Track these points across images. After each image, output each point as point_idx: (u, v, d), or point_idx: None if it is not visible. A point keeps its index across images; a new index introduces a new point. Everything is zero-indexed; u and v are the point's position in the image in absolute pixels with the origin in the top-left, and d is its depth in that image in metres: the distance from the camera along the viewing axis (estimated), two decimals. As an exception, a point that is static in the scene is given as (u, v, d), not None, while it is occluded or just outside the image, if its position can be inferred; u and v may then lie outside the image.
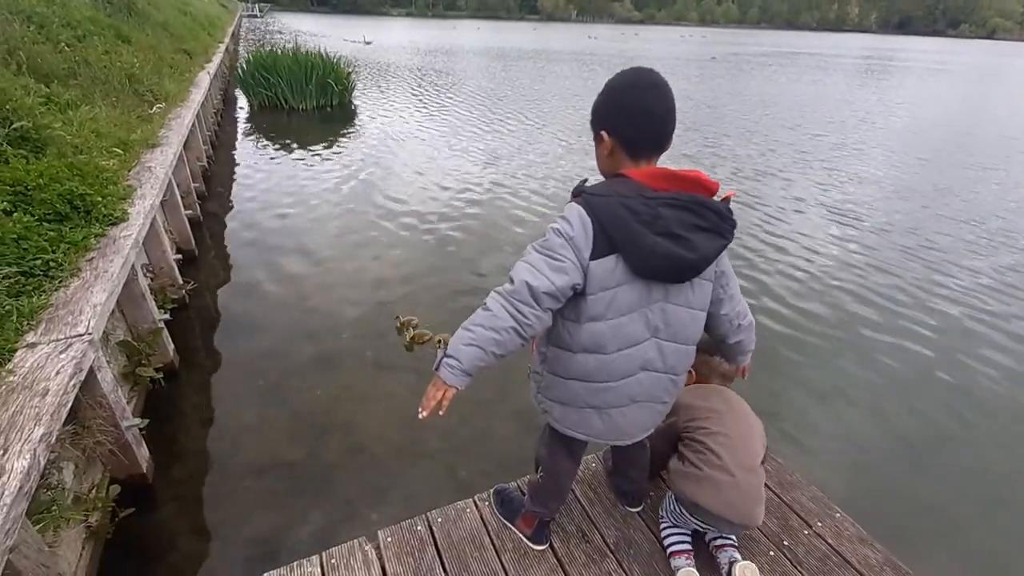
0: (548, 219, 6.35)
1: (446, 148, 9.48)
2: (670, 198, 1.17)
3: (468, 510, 1.82)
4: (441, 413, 1.24)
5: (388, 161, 8.58)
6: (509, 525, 1.75)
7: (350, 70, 12.84)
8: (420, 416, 1.24)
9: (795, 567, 1.66)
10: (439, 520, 1.78)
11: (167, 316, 3.30)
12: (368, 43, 31.67)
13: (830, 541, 1.75)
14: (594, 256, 1.18)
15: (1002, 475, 3.10)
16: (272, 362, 3.68)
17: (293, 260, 5.15)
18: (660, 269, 1.20)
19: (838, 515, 1.84)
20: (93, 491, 2.21)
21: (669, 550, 1.66)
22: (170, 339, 3.39)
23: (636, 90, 1.21)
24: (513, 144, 9.88)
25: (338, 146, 9.45)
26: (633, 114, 1.21)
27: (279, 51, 11.76)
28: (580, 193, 1.24)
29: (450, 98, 14.65)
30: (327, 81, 11.75)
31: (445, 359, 1.21)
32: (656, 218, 1.16)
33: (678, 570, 1.60)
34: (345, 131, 10.62)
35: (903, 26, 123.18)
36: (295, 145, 9.35)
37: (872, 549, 1.72)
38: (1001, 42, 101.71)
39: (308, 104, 11.87)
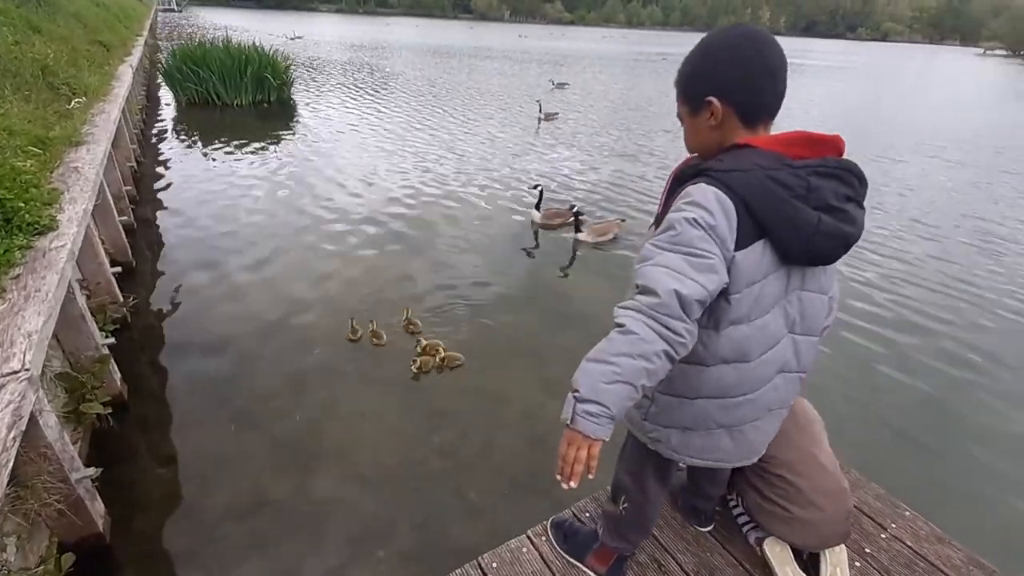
0: (489, 213, 6.17)
1: (389, 143, 9.12)
2: (818, 165, 1.00)
3: (524, 549, 1.57)
4: (591, 476, 0.97)
5: (332, 158, 8.11)
6: (578, 564, 1.52)
7: (288, 64, 12.07)
8: (566, 487, 0.97)
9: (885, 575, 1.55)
10: (494, 565, 1.53)
11: (111, 340, 2.82)
12: (297, 38, 30.32)
13: (909, 543, 1.65)
14: (740, 246, 0.98)
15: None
16: (238, 385, 3.25)
17: (241, 268, 4.65)
18: (823, 250, 1.01)
19: (908, 514, 1.76)
20: (41, 566, 1.77)
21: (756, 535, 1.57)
22: (115, 367, 2.89)
23: (753, 45, 1.02)
24: (453, 139, 9.61)
25: (278, 143, 8.83)
26: (752, 73, 1.02)
27: (209, 43, 10.83)
28: (701, 173, 1.02)
29: (390, 94, 14.24)
30: (264, 75, 10.96)
31: (581, 406, 0.93)
32: (809, 191, 0.98)
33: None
34: (285, 127, 9.96)
35: (808, 29, 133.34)
36: (232, 143, 8.62)
37: (952, 548, 1.64)
38: (893, 44, 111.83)
39: (244, 99, 11.03)
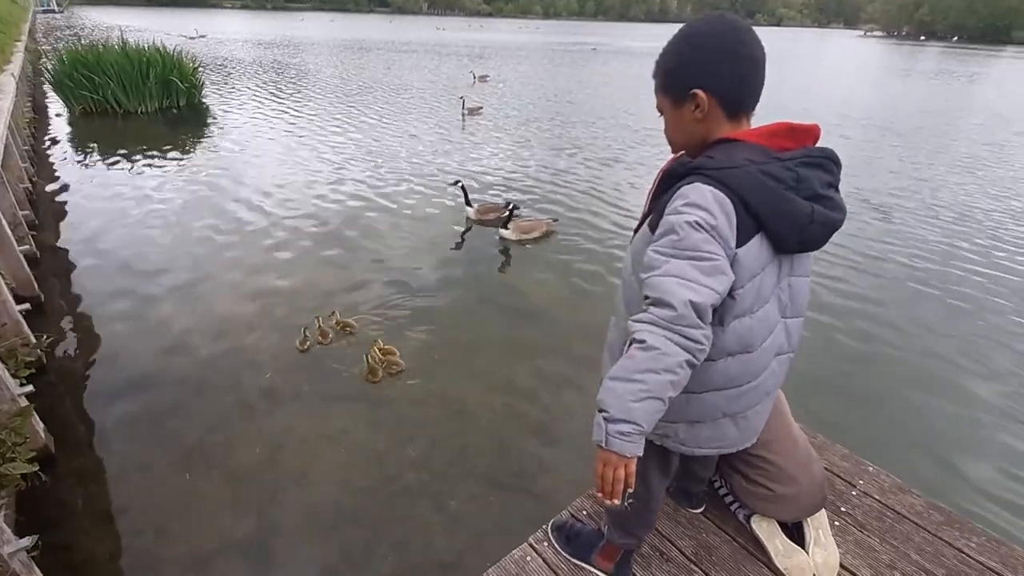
0: (420, 214, 6.06)
1: (310, 146, 8.75)
2: (803, 156, 1.03)
3: (528, 558, 1.55)
4: (631, 491, 0.99)
5: (250, 165, 7.69)
6: (584, 565, 1.51)
7: (196, 65, 11.22)
8: (608, 504, 1.00)
9: (862, 531, 1.66)
10: (499, 578, 1.49)
11: (28, 388, 2.50)
12: (200, 37, 28.32)
13: (877, 497, 1.78)
14: (740, 242, 0.99)
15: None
16: (184, 421, 2.99)
17: (165, 291, 4.29)
18: (814, 238, 1.04)
19: (871, 468, 1.89)
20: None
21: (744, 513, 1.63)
22: (37, 417, 2.57)
23: (736, 36, 1.03)
24: (376, 139, 9.34)
25: (190, 152, 8.25)
26: (737, 64, 1.03)
27: (102, 46, 9.83)
28: (694, 171, 1.01)
29: (308, 93, 13.66)
30: (170, 79, 10.11)
31: (612, 427, 0.93)
32: (799, 182, 1.00)
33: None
34: (197, 134, 9.30)
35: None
36: (138, 154, 7.93)
37: (913, 496, 1.79)
38: (787, 28, 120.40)
39: (149, 106, 10.15)
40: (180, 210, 5.95)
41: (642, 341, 0.95)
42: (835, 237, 1.08)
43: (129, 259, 4.79)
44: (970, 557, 1.58)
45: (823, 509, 1.58)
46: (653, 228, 1.05)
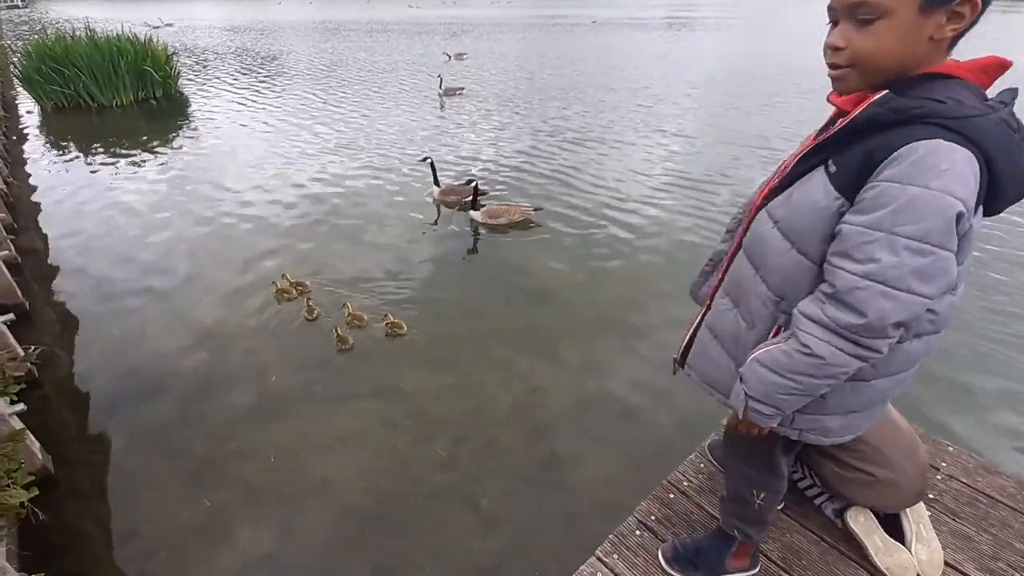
0: (413, 198, 5.80)
1: (292, 133, 8.38)
2: (1010, 98, 0.84)
3: (599, 574, 1.39)
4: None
5: (233, 156, 7.35)
6: None
7: (171, 53, 10.74)
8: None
9: (956, 520, 1.51)
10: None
11: (20, 406, 2.29)
12: (167, 25, 27.30)
13: (964, 480, 1.64)
14: (974, 213, 0.79)
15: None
16: (190, 431, 2.79)
17: (157, 293, 4.04)
18: (1015, 199, 0.85)
19: (952, 449, 1.75)
20: None
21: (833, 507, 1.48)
22: (32, 437, 2.37)
23: None
24: (358, 125, 8.93)
25: (171, 145, 7.88)
26: None
27: (70, 37, 9.33)
28: (923, 119, 0.77)
29: (286, 79, 13.19)
30: (144, 68, 9.64)
31: (753, 404, 0.97)
32: (1020, 131, 0.80)
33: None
34: (176, 126, 8.91)
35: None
36: (116, 150, 7.58)
37: (1002, 477, 1.65)
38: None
39: (124, 98, 9.70)
40: (164, 206, 5.66)
41: (806, 347, 0.84)
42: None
43: (116, 260, 4.53)
44: (1078, 543, 1.45)
45: (921, 502, 1.44)
46: (846, 190, 0.84)
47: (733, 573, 1.36)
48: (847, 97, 0.91)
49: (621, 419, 2.94)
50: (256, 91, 11.70)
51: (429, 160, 5.67)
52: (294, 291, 3.92)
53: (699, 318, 1.18)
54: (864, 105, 0.84)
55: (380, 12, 45.97)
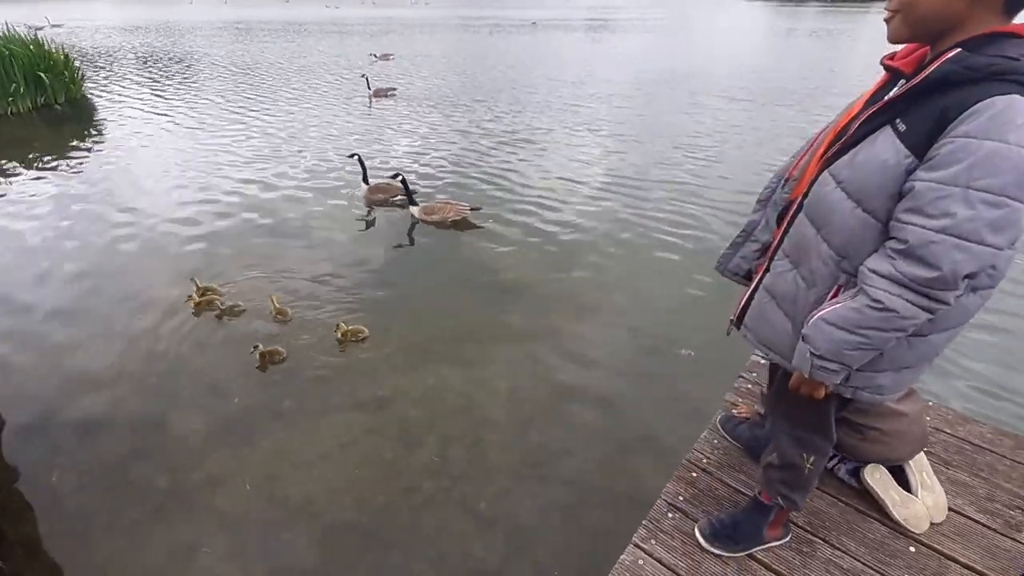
0: (331, 204, 5.52)
1: (209, 139, 7.82)
2: None
3: (641, 561, 1.36)
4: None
5: (147, 163, 6.79)
6: (755, 550, 1.38)
7: (71, 56, 9.74)
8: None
9: (949, 468, 1.62)
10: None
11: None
12: (55, 26, 24.73)
13: (948, 431, 1.76)
14: None
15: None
16: (149, 465, 2.51)
17: (78, 317, 3.62)
18: None
19: (932, 403, 1.88)
20: None
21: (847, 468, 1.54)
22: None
23: None
24: (279, 127, 8.50)
25: (78, 154, 7.17)
26: None
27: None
28: (998, 77, 0.79)
29: (202, 82, 12.39)
30: (39, 74, 8.66)
31: (819, 362, 0.99)
32: None
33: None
34: (82, 134, 8.12)
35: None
36: (15, 162, 6.77)
37: (979, 425, 1.79)
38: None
39: (20, 105, 8.67)
40: (74, 219, 5.11)
41: (877, 301, 0.87)
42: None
43: (23, 282, 4.02)
44: (1053, 476, 1.59)
45: (922, 452, 1.53)
46: (917, 147, 0.85)
47: (770, 542, 1.38)
48: (908, 59, 0.96)
49: (602, 406, 2.96)
50: (170, 94, 10.86)
51: (357, 156, 5.54)
52: (216, 301, 3.69)
53: (755, 281, 1.19)
54: (938, 64, 0.86)
55: (298, 12, 44.19)
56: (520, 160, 7.03)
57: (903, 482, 1.49)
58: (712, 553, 1.37)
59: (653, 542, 1.40)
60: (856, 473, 1.50)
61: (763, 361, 2.08)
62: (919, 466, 1.51)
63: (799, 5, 69.05)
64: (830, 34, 26.62)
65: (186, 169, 6.52)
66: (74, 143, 7.57)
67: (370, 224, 5.21)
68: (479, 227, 5.10)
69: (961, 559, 1.34)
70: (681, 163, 6.88)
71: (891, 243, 0.89)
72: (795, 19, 40.69)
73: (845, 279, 0.99)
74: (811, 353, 0.98)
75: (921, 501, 1.44)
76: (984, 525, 1.44)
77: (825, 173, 1.00)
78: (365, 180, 5.53)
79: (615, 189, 6.00)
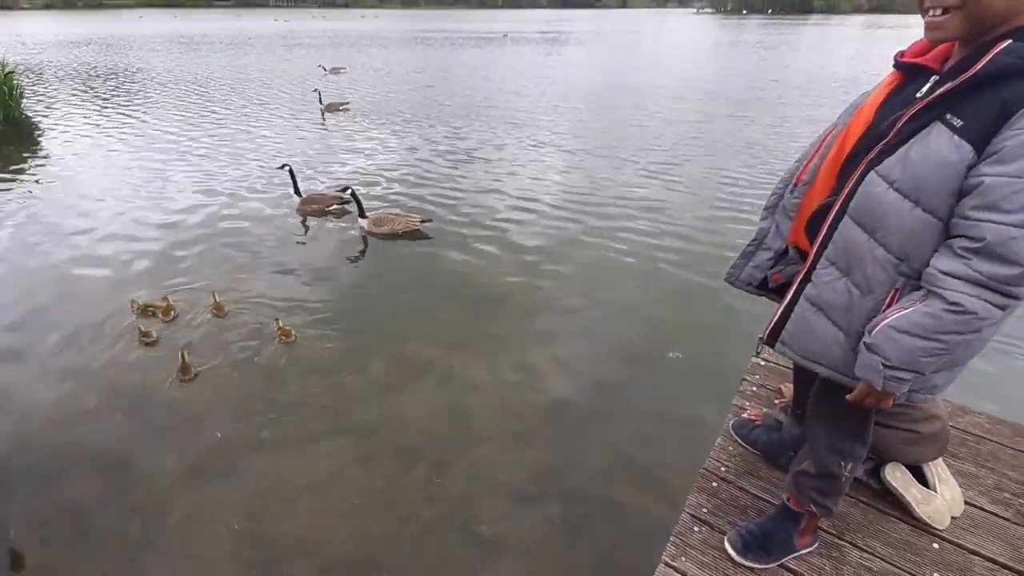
0: (290, 223, 5.30)
1: (158, 157, 7.46)
2: None
3: (675, 581, 1.31)
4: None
5: (94, 183, 6.44)
6: (787, 559, 1.34)
7: (10, 71, 9.19)
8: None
9: (956, 460, 1.65)
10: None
11: None
12: None
13: (950, 423, 1.78)
14: None
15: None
16: (119, 510, 2.30)
17: (38, 350, 3.35)
18: None
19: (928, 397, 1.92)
20: None
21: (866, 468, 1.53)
22: None
23: None
24: (231, 144, 8.18)
25: (17, 174, 6.75)
26: None
27: None
28: None
29: (150, 97, 11.95)
30: (-31, 91, 8.09)
31: (891, 373, 0.95)
32: None
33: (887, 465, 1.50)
34: (22, 153, 7.66)
35: (566, 2, 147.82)
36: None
37: (975, 415, 1.83)
38: (632, 10, 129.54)
39: (-49, 124, 8.05)
40: (11, 245, 4.76)
41: (957, 304, 0.85)
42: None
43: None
44: (1053, 462, 1.64)
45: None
46: (977, 141, 0.84)
47: (801, 550, 1.35)
48: (932, 56, 0.95)
49: (596, 415, 2.92)
50: (116, 111, 10.38)
51: (287, 167, 5.47)
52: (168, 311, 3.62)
53: (790, 295, 1.16)
54: (990, 56, 0.85)
55: (248, 24, 43.35)
56: (477, 173, 6.96)
57: (920, 478, 1.50)
58: (745, 566, 1.33)
59: (684, 559, 1.35)
60: (875, 473, 1.50)
61: (763, 363, 2.08)
62: (936, 463, 1.52)
63: (742, 18, 72.54)
64: (772, 45, 27.99)
65: (132, 188, 6.20)
66: (13, 165, 7.08)
67: (321, 238, 5.04)
68: (430, 238, 5.02)
69: (984, 552, 1.35)
70: (636, 174, 6.93)
71: (960, 242, 0.88)
72: (739, 31, 42.59)
73: (903, 282, 0.98)
74: (883, 364, 0.95)
75: (940, 496, 1.44)
76: (999, 516, 1.46)
77: (872, 174, 0.98)
78: (297, 192, 5.47)
79: (574, 200, 5.99)
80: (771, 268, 1.25)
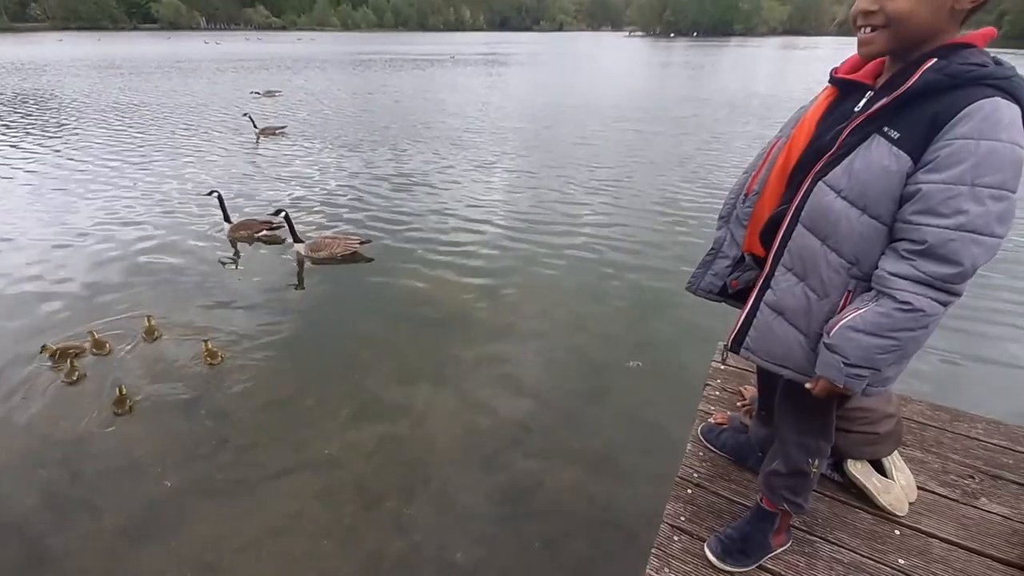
0: (214, 251, 5.12)
1: (82, 188, 6.99)
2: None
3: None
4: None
5: (8, 220, 5.87)
6: (761, 564, 1.37)
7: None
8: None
9: (903, 448, 1.74)
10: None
11: None
12: None
13: (896, 414, 1.91)
14: None
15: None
16: (51, 572, 2.08)
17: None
18: None
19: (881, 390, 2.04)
20: None
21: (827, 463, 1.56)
22: None
23: None
24: (160, 172, 7.81)
25: None
26: None
27: None
28: (979, 82, 0.89)
29: (74, 125, 11.22)
30: None
31: (850, 370, 1.01)
32: None
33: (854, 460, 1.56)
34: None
35: (504, 24, 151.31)
36: None
37: (916, 403, 1.96)
38: (567, 32, 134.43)
39: None
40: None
41: (906, 303, 0.92)
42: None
43: None
44: (988, 442, 1.77)
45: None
46: (913, 151, 0.91)
47: (777, 549, 1.39)
48: (864, 72, 1.04)
49: (563, 430, 2.93)
50: (33, 141, 9.66)
51: (216, 194, 5.38)
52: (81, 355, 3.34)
53: (751, 301, 1.20)
54: (919, 74, 0.93)
55: (176, 47, 41.73)
56: (421, 195, 6.90)
57: (878, 467, 1.58)
58: (726, 571, 1.35)
59: (667, 571, 1.35)
60: (836, 467, 1.57)
61: (723, 367, 2.15)
62: (892, 455, 1.61)
63: (670, 41, 76.70)
64: (699, 66, 29.74)
65: (42, 223, 5.73)
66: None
67: (256, 266, 4.86)
68: (370, 261, 4.93)
69: (940, 535, 1.43)
70: (581, 191, 7.07)
71: (904, 244, 0.94)
72: (668, 53, 44.97)
73: (855, 284, 1.04)
74: (843, 363, 1.00)
75: (897, 483, 1.53)
76: (948, 498, 1.56)
77: (820, 184, 1.04)
78: (227, 219, 5.34)
79: (521, 219, 6.00)
80: (729, 275, 1.30)
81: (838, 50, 37.43)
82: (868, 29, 0.98)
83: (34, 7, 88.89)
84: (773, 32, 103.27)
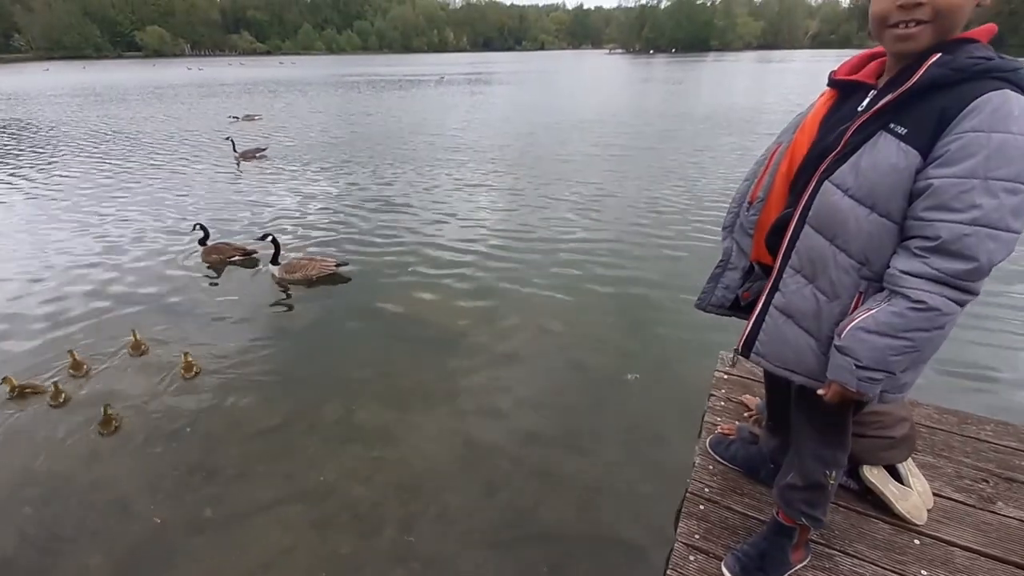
0: (191, 276, 5.01)
1: (65, 215, 6.91)
2: None
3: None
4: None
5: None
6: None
7: None
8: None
9: (916, 453, 1.72)
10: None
11: None
12: None
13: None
14: None
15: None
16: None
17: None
18: None
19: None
20: None
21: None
22: None
23: None
24: (144, 198, 7.74)
25: None
26: None
27: None
28: (988, 75, 0.87)
29: (57, 153, 11.10)
30: None
31: (863, 373, 0.97)
32: None
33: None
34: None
35: (487, 45, 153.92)
36: None
37: (923, 407, 1.94)
38: (549, 51, 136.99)
39: None
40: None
41: (920, 302, 0.88)
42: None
43: None
44: (998, 444, 1.74)
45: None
46: (921, 147, 0.88)
47: (796, 565, 1.34)
48: (865, 72, 1.03)
49: (563, 447, 2.85)
50: (16, 169, 9.54)
51: (199, 226, 5.40)
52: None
53: (760, 305, 1.17)
54: (924, 69, 0.91)
55: (160, 74, 41.70)
56: (405, 216, 6.81)
57: (893, 474, 1.54)
58: None
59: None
60: (852, 474, 1.53)
61: (727, 377, 2.11)
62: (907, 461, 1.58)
63: (650, 57, 78.28)
64: (679, 81, 30.31)
65: (36, 252, 5.62)
66: None
67: (234, 290, 4.76)
68: (348, 282, 4.85)
69: (961, 543, 1.40)
70: (568, 207, 7.02)
71: (916, 242, 0.92)
72: (648, 69, 45.82)
73: (866, 286, 1.01)
74: (855, 365, 0.97)
75: (914, 490, 1.49)
76: (965, 504, 1.52)
77: (827, 183, 1.02)
78: (202, 242, 5.35)
79: (509, 237, 5.94)
80: (741, 287, 1.27)
81: (813, 62, 38.25)
82: (911, 24, 0.94)
83: (18, 38, 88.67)
84: (748, 47, 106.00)
